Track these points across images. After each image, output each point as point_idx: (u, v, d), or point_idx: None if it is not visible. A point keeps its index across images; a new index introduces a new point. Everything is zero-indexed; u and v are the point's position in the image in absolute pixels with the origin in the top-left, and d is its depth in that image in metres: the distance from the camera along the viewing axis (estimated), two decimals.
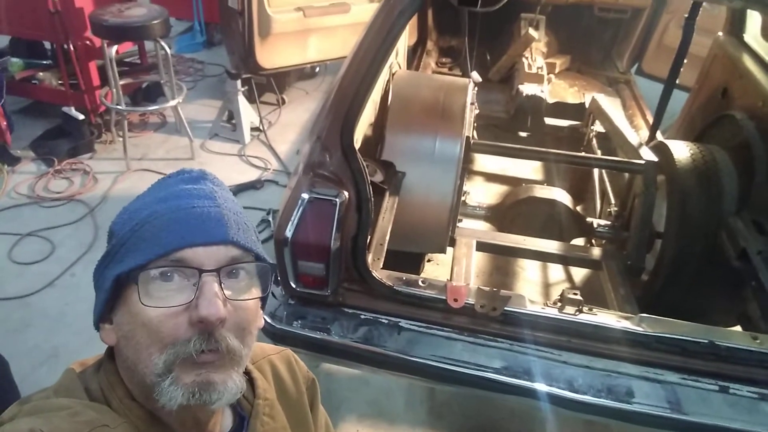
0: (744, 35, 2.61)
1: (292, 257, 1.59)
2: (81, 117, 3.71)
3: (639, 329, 1.60)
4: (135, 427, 0.70)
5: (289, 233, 1.56)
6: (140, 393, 0.72)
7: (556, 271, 2.72)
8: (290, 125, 4.30)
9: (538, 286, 2.67)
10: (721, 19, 2.83)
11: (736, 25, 2.65)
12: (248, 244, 0.74)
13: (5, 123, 3.54)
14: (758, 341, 1.58)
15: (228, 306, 0.69)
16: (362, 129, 2.19)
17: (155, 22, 3.36)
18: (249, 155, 3.92)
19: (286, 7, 3.77)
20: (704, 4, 2.64)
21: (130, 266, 0.69)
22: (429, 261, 2.58)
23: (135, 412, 0.72)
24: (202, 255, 0.69)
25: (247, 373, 0.85)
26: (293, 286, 1.66)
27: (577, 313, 1.64)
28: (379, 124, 2.40)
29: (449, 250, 2.34)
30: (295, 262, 1.60)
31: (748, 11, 2.60)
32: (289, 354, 1.01)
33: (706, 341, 1.57)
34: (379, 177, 2.15)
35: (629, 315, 1.70)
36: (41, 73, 3.89)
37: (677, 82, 2.67)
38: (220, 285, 0.69)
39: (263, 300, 0.79)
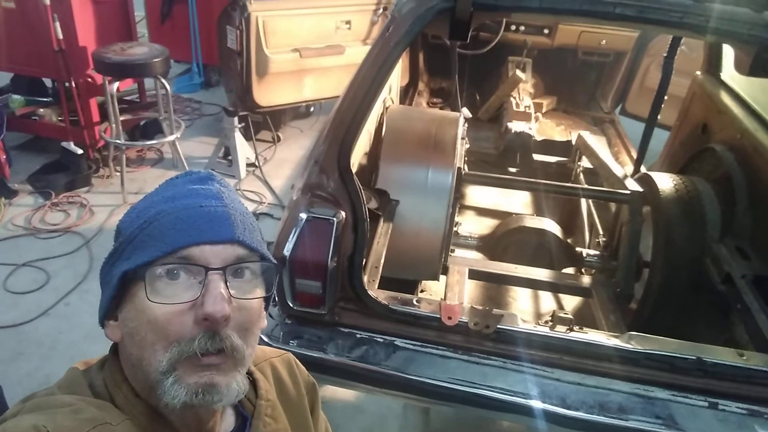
0: (721, 74, 2.74)
1: (290, 275, 1.63)
2: (80, 152, 3.78)
3: (628, 346, 1.64)
4: (138, 424, 0.71)
5: (287, 252, 1.60)
6: (143, 390, 0.72)
7: (547, 299, 2.76)
8: (285, 162, 4.39)
9: (531, 315, 2.70)
10: (698, 61, 2.99)
11: (713, 65, 2.79)
12: (254, 244, 0.74)
13: (4, 157, 3.62)
14: (744, 357, 1.62)
15: (233, 304, 0.70)
16: (358, 157, 2.26)
17: (156, 60, 3.48)
18: (244, 189, 3.99)
19: (283, 47, 3.91)
20: (683, 47, 2.80)
21: (137, 263, 0.69)
22: (422, 291, 2.62)
23: (138, 409, 0.72)
24: (209, 253, 0.70)
25: (249, 374, 0.85)
26: (290, 305, 1.69)
27: (568, 331, 1.68)
28: (374, 154, 2.47)
29: (442, 278, 2.38)
30: (293, 280, 1.64)
31: (724, 52, 2.74)
32: (290, 357, 1.01)
33: (693, 358, 1.61)
34: (373, 204, 2.20)
35: (618, 334, 1.74)
36: (42, 110, 3.98)
37: (659, 120, 2.79)
38: (226, 283, 0.70)
39: (267, 301, 0.80)
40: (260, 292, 0.76)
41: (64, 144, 3.81)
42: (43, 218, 3.49)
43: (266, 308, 0.81)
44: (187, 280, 0.70)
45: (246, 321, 0.73)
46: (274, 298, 1.70)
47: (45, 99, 4.11)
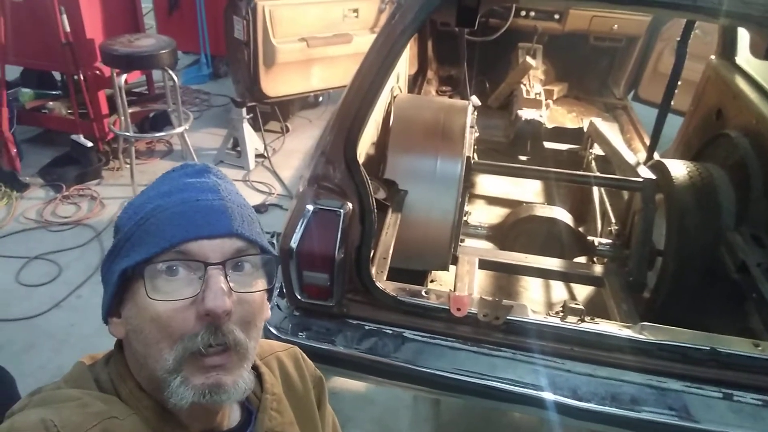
0: (735, 58, 2.68)
1: (297, 268, 1.62)
2: (89, 144, 3.79)
3: (641, 337, 1.61)
4: (144, 418, 0.71)
5: (294, 244, 1.59)
6: (149, 385, 0.73)
7: (558, 289, 2.74)
8: (294, 152, 4.38)
9: (542, 305, 2.67)
10: (712, 45, 2.92)
11: (727, 49, 2.73)
12: (253, 236, 0.74)
13: (15, 150, 3.64)
14: (760, 348, 1.59)
15: (234, 298, 0.70)
16: (365, 147, 2.24)
17: (164, 51, 3.46)
18: (253, 180, 3.99)
19: (290, 37, 3.89)
20: (696, 31, 2.74)
21: (135, 260, 0.69)
22: (432, 282, 2.60)
23: (144, 403, 0.72)
24: (207, 248, 0.70)
25: (255, 368, 0.85)
26: (298, 297, 1.68)
27: (579, 322, 1.66)
28: (382, 144, 2.45)
29: (452, 268, 2.36)
30: (300, 272, 1.63)
31: (738, 36, 2.68)
32: (296, 351, 1.01)
33: (707, 348, 1.58)
34: (381, 194, 2.18)
35: (630, 324, 1.72)
36: (51, 103, 3.99)
37: (673, 105, 2.74)
38: (226, 277, 0.69)
39: (270, 292, 0.79)
40: (262, 284, 0.75)
41: (73, 137, 3.82)
42: (55, 211, 3.51)
43: (269, 299, 0.80)
44: (187, 276, 0.69)
45: (248, 314, 0.72)
46: (281, 288, 1.70)
47: (54, 92, 4.12)
